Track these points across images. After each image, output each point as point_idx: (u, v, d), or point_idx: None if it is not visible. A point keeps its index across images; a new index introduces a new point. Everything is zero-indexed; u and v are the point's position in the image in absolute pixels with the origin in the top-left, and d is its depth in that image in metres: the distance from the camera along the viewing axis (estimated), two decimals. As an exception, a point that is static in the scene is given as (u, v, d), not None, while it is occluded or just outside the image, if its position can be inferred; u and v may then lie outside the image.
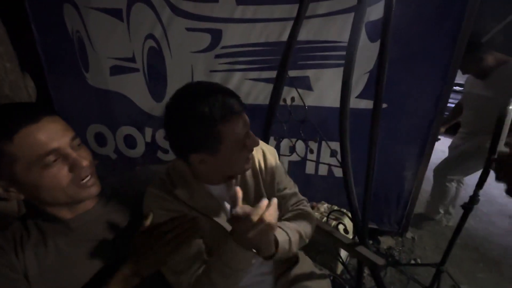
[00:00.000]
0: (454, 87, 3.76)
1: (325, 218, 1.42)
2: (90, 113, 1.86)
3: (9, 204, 1.88)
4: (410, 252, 1.84)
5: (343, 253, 1.51)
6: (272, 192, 0.80)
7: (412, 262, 1.75)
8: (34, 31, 1.68)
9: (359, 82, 1.48)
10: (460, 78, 3.68)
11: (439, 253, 1.73)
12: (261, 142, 0.81)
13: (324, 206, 1.60)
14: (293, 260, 0.85)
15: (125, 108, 1.78)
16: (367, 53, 1.40)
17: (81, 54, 1.70)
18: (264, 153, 0.81)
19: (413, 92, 1.49)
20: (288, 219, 0.79)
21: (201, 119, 0.57)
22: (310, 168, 1.72)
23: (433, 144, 1.60)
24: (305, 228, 0.78)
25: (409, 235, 1.95)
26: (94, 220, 0.65)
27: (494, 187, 1.62)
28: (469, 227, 1.66)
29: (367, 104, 1.50)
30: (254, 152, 0.72)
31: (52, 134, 0.54)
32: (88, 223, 0.64)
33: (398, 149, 1.62)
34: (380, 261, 0.80)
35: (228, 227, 0.66)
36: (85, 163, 0.57)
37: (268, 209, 0.55)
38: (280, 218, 0.80)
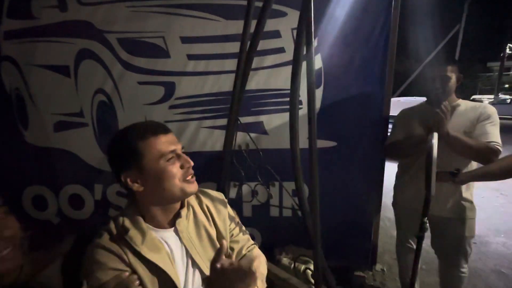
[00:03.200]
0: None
1: (293, 264, 1.37)
2: (27, 173, 1.66)
3: None
4: (382, 285, 1.83)
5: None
6: (226, 234, 0.78)
7: (386, 296, 1.73)
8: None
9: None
10: (395, 111, 4.27)
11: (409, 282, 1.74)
12: (209, 190, 0.84)
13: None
14: None
15: (71, 165, 1.64)
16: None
17: (19, 112, 1.58)
18: (212, 197, 0.82)
19: (357, 129, 1.64)
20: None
21: (121, 139, 0.67)
22: (274, 211, 1.70)
23: (382, 172, 1.72)
24: (264, 271, 0.79)
25: (378, 267, 1.96)
26: None
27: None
28: (432, 251, 1.73)
29: (319, 143, 1.59)
30: (202, 197, 0.79)
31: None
32: None
33: (352, 182, 1.71)
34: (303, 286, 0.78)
35: (177, 279, 0.66)
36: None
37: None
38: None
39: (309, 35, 0.86)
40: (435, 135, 0.98)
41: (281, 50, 1.52)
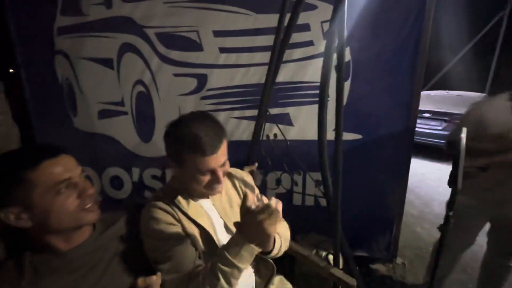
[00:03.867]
0: (424, 114, 4.16)
1: (314, 250, 1.43)
2: (76, 156, 1.85)
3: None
4: (402, 278, 1.85)
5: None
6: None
7: (405, 289, 1.75)
8: (24, 81, 1.74)
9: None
10: (425, 105, 4.08)
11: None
12: (242, 173, 0.96)
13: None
14: (270, 273, 0.92)
15: (112, 149, 1.81)
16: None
17: (69, 100, 1.76)
18: (244, 181, 0.94)
19: (383, 122, 1.64)
20: None
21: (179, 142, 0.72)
22: (296, 199, 1.77)
23: (408, 168, 1.71)
24: (286, 232, 0.93)
25: (399, 260, 1.97)
26: (87, 252, 0.68)
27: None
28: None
29: (345, 135, 1.62)
30: (235, 179, 0.91)
31: (67, 166, 0.64)
32: (83, 255, 0.67)
33: (377, 176, 1.72)
34: (352, 281, 0.84)
35: (217, 238, 0.77)
36: (90, 191, 0.66)
37: (278, 203, 0.64)
38: None
39: (341, 28, 0.88)
40: (464, 129, 0.98)
41: (310, 43, 1.55)
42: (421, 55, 1.54)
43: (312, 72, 1.58)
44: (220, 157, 0.73)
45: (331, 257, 1.23)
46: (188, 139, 0.69)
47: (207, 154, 0.70)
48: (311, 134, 1.68)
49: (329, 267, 0.92)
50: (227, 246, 0.67)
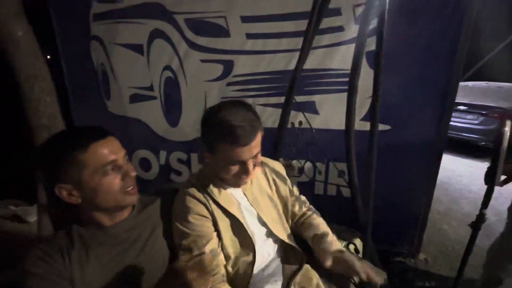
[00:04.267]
0: (459, 107, 3.88)
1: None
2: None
3: (29, 227, 1.95)
4: (424, 274, 1.80)
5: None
6: (287, 195, 0.92)
7: (427, 285, 1.71)
8: (63, 66, 1.86)
9: (362, 106, 1.56)
10: (461, 98, 3.78)
11: (454, 275, 1.69)
12: (274, 163, 0.95)
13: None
14: (299, 262, 0.90)
15: (142, 132, 1.90)
16: (369, 79, 1.49)
17: (103, 84, 1.86)
18: (276, 171, 0.94)
19: (415, 114, 1.56)
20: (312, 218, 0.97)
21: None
22: (318, 188, 1.76)
23: (439, 163, 1.63)
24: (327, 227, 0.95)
25: (421, 256, 1.92)
26: (129, 229, 0.73)
27: (504, 203, 1.62)
28: (484, 247, 1.63)
29: (372, 126, 1.57)
30: (266, 169, 0.91)
31: (113, 148, 0.67)
32: (123, 231, 0.72)
33: (404, 169, 1.66)
34: (382, 273, 0.83)
35: (248, 227, 0.78)
36: (132, 173, 0.70)
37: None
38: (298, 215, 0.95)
39: (382, 10, 0.84)
40: (508, 122, 0.91)
41: (339, 29, 1.49)
42: (462, 42, 1.43)
43: (340, 59, 1.53)
44: (252, 149, 0.72)
45: (352, 247, 1.23)
46: (223, 127, 0.69)
47: (240, 144, 0.69)
48: (336, 123, 1.64)
49: (357, 258, 0.91)
50: None
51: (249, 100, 1.67)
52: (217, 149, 0.72)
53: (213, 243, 0.75)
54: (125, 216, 0.74)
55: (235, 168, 0.74)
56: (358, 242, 1.41)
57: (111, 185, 0.66)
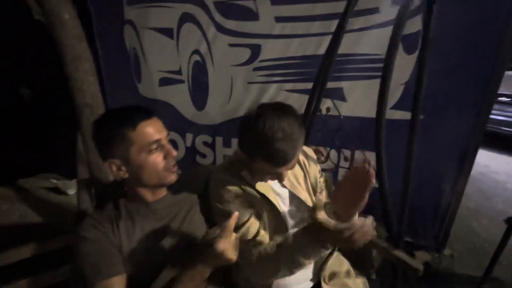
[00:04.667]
0: (500, 98, 3.56)
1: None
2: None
3: (69, 199, 2.14)
4: (449, 269, 1.76)
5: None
6: (316, 181, 0.91)
7: (451, 280, 1.67)
8: (98, 48, 1.95)
9: (394, 93, 1.50)
10: (505, 88, 3.46)
11: (481, 273, 1.63)
12: (304, 147, 0.92)
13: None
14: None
15: (170, 115, 1.97)
16: (403, 65, 1.42)
17: (135, 68, 1.93)
18: (306, 154, 0.93)
19: (451, 104, 1.47)
20: None
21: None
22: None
23: (474, 158, 1.54)
24: None
25: (447, 251, 1.86)
26: (169, 205, 0.79)
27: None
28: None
29: (402, 115, 1.51)
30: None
31: (157, 128, 0.72)
32: (164, 207, 0.79)
33: (436, 161, 1.59)
34: (419, 266, 0.82)
35: (283, 212, 0.79)
36: (174, 153, 0.75)
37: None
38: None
39: None
40: None
41: (374, 10, 1.41)
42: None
43: (373, 43, 1.45)
44: (291, 165, 0.71)
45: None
46: (264, 148, 0.65)
47: (280, 166, 0.68)
48: (365, 110, 1.59)
49: (392, 249, 0.91)
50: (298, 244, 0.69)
51: (273, 88, 1.65)
52: (255, 162, 0.71)
53: (253, 222, 0.77)
54: (165, 194, 0.80)
55: (271, 176, 0.76)
56: (381, 230, 1.40)
57: (155, 163, 0.70)
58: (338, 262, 0.89)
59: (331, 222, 0.61)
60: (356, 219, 0.60)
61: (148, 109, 0.74)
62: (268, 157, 0.67)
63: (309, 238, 0.66)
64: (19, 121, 3.46)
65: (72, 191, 2.36)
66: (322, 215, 0.62)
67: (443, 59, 1.40)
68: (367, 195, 0.63)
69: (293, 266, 0.71)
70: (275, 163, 0.67)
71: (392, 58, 0.96)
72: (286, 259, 0.70)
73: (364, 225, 0.60)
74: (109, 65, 2.00)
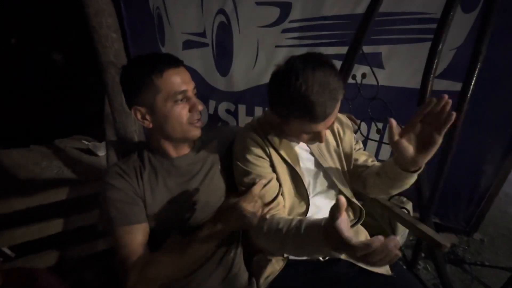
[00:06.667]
0: None
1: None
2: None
3: (99, 160, 2.25)
4: (477, 253, 1.67)
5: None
6: (351, 150, 0.84)
7: (479, 263, 1.59)
8: (123, 9, 1.89)
9: (442, 60, 1.32)
10: None
11: (513, 260, 1.54)
12: (339, 114, 0.84)
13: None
14: (356, 219, 0.85)
15: (194, 81, 1.92)
16: (457, 26, 1.23)
17: (159, 30, 1.87)
18: (341, 121, 0.86)
19: (505, 77, 1.27)
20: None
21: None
22: (370, 147, 1.64)
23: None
24: None
25: (477, 236, 1.76)
26: (190, 162, 0.79)
27: None
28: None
29: (448, 85, 1.34)
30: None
31: (185, 79, 0.70)
32: (186, 164, 0.78)
33: (478, 140, 1.43)
34: (446, 241, 0.76)
35: (303, 176, 0.74)
36: (200, 107, 0.72)
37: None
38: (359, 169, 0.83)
39: None
40: None
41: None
42: None
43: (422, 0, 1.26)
44: (330, 120, 0.64)
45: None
46: (300, 103, 0.59)
47: (318, 121, 0.62)
48: (404, 80, 1.44)
49: (419, 223, 0.85)
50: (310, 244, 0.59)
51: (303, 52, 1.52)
52: (290, 121, 0.66)
53: (272, 185, 0.75)
54: (187, 151, 0.79)
55: (307, 136, 0.70)
56: (409, 206, 1.33)
57: (180, 114, 0.69)
58: (356, 232, 0.85)
59: (348, 233, 0.48)
60: (378, 238, 0.45)
61: (177, 58, 0.71)
62: (306, 113, 0.61)
63: (324, 240, 0.54)
64: (54, 85, 3.64)
65: (102, 153, 2.50)
66: (342, 223, 0.48)
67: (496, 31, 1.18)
68: (440, 139, 0.55)
69: (299, 255, 0.69)
70: (314, 118, 0.61)
71: (449, 16, 0.81)
72: (294, 247, 0.64)
73: (385, 246, 0.44)
74: (133, 27, 1.95)
